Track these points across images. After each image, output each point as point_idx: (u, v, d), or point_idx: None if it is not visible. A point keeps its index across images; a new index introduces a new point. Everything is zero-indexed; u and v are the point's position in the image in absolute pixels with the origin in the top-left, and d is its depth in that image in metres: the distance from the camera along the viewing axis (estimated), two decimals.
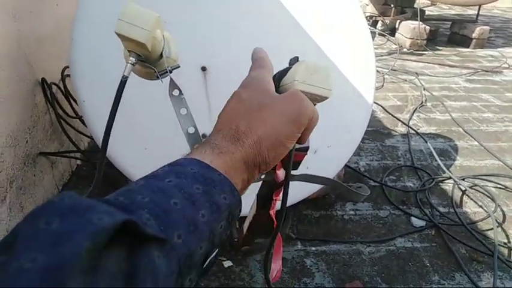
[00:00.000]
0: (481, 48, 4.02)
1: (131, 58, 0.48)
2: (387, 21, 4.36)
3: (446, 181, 1.74)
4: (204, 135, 1.11)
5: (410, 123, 2.27)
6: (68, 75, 1.41)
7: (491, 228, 1.44)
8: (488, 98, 2.73)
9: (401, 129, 2.22)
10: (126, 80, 0.48)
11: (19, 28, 1.22)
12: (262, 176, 0.48)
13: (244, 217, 0.76)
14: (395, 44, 3.83)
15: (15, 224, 0.19)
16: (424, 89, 2.78)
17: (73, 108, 1.56)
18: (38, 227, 0.18)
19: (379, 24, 4.45)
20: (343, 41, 1.14)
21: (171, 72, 0.51)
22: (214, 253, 0.28)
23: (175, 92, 0.53)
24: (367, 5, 4.67)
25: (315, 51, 1.11)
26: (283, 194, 0.41)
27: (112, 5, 0.96)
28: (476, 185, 1.71)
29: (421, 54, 3.74)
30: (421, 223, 1.46)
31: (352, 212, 1.51)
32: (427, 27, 3.86)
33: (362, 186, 0.76)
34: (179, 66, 0.52)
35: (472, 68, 3.34)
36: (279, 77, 0.39)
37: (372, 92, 1.18)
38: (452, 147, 2.06)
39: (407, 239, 1.39)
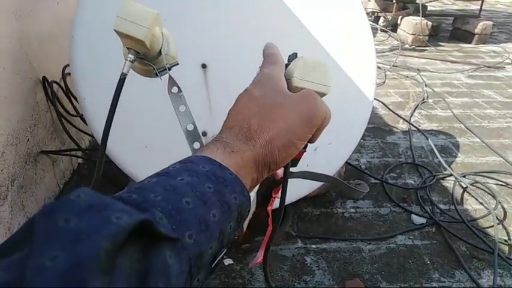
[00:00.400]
0: (484, 43, 3.99)
1: (130, 55, 0.47)
2: (389, 17, 4.34)
3: (447, 178, 1.74)
4: (204, 133, 1.11)
5: (412, 120, 2.26)
6: (69, 74, 1.41)
7: (492, 226, 1.43)
8: (490, 94, 2.72)
9: (402, 126, 2.22)
10: (124, 78, 0.48)
11: (20, 27, 1.23)
12: None
13: None
14: (397, 40, 3.81)
15: (17, 222, 0.19)
16: (426, 85, 2.77)
17: (74, 107, 1.57)
18: (57, 224, 0.18)
19: (381, 20, 4.43)
20: (344, 37, 1.14)
21: (169, 69, 0.51)
22: (222, 253, 0.28)
23: (174, 89, 0.53)
24: (369, 0, 4.65)
25: (315, 47, 1.11)
26: (281, 191, 0.41)
27: (112, 3, 0.96)
28: (477, 182, 1.70)
29: (423, 50, 3.72)
30: (422, 220, 1.46)
31: (352, 210, 1.51)
32: (429, 23, 3.84)
33: (361, 183, 0.76)
34: (178, 64, 0.52)
35: (474, 63, 3.33)
36: None
37: (372, 89, 1.18)
38: (454, 143, 2.05)
39: (407, 237, 1.39)
